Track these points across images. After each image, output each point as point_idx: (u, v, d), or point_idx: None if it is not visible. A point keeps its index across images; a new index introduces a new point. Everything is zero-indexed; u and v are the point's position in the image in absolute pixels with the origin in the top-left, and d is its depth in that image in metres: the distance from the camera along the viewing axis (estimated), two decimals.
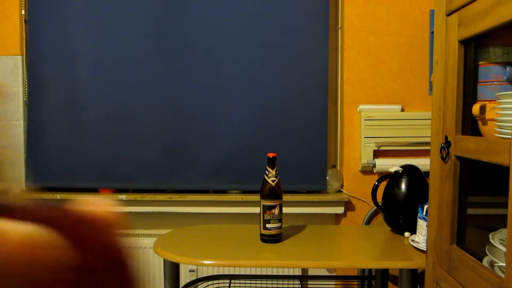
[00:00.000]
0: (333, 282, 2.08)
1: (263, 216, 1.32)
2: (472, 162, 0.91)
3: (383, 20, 1.99)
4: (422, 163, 1.61)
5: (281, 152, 1.64)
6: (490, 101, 0.91)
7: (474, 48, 0.93)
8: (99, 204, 0.17)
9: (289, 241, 1.37)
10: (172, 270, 1.37)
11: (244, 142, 2.02)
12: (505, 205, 0.71)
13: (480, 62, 0.95)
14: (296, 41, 2.00)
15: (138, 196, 2.07)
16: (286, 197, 1.44)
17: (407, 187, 1.44)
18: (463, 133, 0.93)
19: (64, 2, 2.07)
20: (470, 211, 0.97)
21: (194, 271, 2.05)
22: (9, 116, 2.15)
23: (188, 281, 1.93)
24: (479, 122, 0.93)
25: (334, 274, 2.04)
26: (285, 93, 2.01)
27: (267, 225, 1.32)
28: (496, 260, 0.83)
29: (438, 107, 1.01)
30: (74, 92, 2.09)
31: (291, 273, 1.99)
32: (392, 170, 1.49)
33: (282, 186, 1.36)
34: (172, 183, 2.09)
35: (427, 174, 1.16)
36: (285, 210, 1.42)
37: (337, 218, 2.09)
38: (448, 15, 0.96)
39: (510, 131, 0.77)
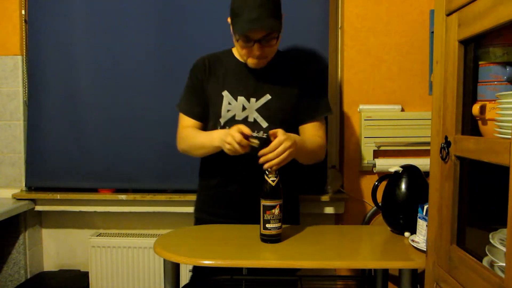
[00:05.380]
0: (333, 282, 2.08)
1: (263, 216, 1.32)
2: (472, 162, 0.91)
3: (383, 20, 1.99)
4: (422, 163, 1.61)
5: None
6: (490, 101, 0.91)
7: (474, 48, 0.93)
8: None
9: (289, 241, 1.37)
10: (172, 270, 1.37)
11: None
12: (505, 205, 0.71)
13: (480, 62, 0.95)
14: (296, 41, 1.99)
15: (138, 196, 2.07)
16: None
17: (407, 187, 1.44)
18: (463, 133, 0.93)
19: (64, 2, 2.07)
20: (470, 211, 0.97)
21: None
22: (9, 116, 2.15)
23: (188, 281, 1.93)
24: (479, 122, 0.93)
25: (334, 274, 2.04)
26: None
27: (267, 225, 1.32)
28: (496, 260, 0.83)
29: (438, 107, 1.01)
30: (74, 92, 2.09)
31: None
32: (392, 170, 1.49)
33: (282, 186, 1.36)
34: (172, 183, 2.09)
35: (427, 174, 1.16)
36: None
37: (337, 218, 2.09)
38: (448, 15, 0.96)
39: (510, 131, 0.77)
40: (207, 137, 1.48)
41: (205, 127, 1.59)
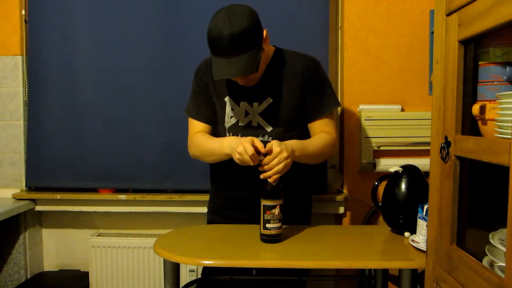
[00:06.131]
0: (333, 282, 2.08)
1: (263, 216, 1.32)
2: (472, 162, 0.91)
3: (383, 20, 1.99)
4: (422, 163, 1.61)
5: None
6: (490, 101, 0.91)
7: (474, 48, 0.93)
8: None
9: (289, 241, 1.37)
10: (172, 270, 1.37)
11: None
12: (505, 205, 0.71)
13: (480, 62, 0.95)
14: (296, 41, 1.99)
15: (138, 196, 2.07)
16: None
17: (407, 187, 1.44)
18: (463, 133, 0.93)
19: (64, 2, 2.07)
20: (470, 211, 0.97)
21: (194, 271, 2.05)
22: (9, 116, 2.15)
23: (188, 281, 1.93)
24: (479, 122, 0.93)
25: (334, 274, 2.04)
26: None
27: (267, 225, 1.32)
28: (496, 260, 0.83)
29: (438, 107, 1.01)
30: (74, 92, 2.09)
31: None
32: (392, 170, 1.49)
33: (282, 186, 1.36)
34: (172, 183, 2.09)
35: (427, 174, 1.16)
36: None
37: (337, 218, 2.09)
38: (448, 15, 0.96)
39: (510, 131, 0.77)
40: (217, 143, 1.46)
41: (213, 130, 1.58)
